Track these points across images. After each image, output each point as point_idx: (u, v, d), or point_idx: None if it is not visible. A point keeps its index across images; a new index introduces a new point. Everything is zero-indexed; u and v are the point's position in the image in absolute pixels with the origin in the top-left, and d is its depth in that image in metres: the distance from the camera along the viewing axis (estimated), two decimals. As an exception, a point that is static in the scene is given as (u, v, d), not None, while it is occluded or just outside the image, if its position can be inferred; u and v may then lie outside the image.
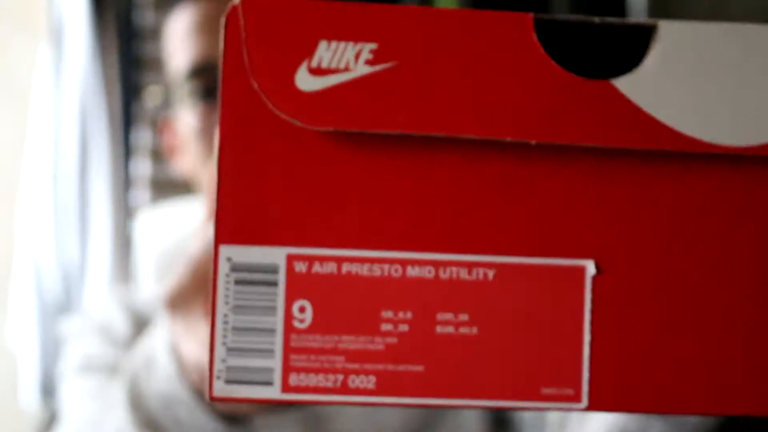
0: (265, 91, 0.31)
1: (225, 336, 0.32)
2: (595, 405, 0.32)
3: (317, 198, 0.32)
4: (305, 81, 0.31)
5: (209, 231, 0.46)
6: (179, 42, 0.85)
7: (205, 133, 0.82)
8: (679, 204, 0.33)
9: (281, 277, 0.32)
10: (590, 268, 0.32)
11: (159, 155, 1.68)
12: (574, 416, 0.67)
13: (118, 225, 1.66)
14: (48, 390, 1.61)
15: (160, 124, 1.13)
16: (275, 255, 0.32)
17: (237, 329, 0.32)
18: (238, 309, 0.32)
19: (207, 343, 0.46)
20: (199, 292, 0.50)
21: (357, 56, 0.31)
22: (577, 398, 0.32)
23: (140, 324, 0.80)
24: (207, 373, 0.42)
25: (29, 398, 1.64)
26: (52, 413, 1.55)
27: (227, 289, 0.32)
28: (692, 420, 0.56)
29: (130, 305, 0.83)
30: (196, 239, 0.51)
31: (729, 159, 0.33)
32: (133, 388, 0.57)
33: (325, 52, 0.31)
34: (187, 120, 0.85)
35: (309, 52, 0.31)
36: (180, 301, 0.51)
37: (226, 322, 0.32)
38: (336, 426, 0.74)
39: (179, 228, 1.10)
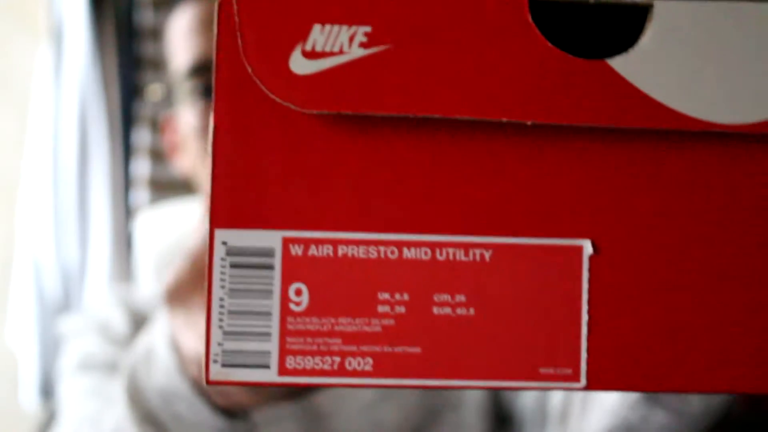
0: (259, 74, 0.31)
1: (221, 320, 0.32)
2: (593, 384, 0.32)
3: (312, 181, 0.32)
4: (299, 64, 0.31)
5: (208, 225, 0.46)
6: (180, 41, 0.85)
7: (206, 131, 0.83)
8: (675, 182, 0.33)
9: (277, 261, 0.32)
10: (587, 247, 0.32)
11: (159, 155, 1.68)
12: (576, 409, 0.67)
13: (117, 225, 1.66)
14: (48, 390, 1.61)
15: (161, 124, 1.13)
16: (271, 238, 0.32)
17: (233, 313, 0.32)
18: (234, 293, 0.32)
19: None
20: (199, 285, 0.50)
21: (351, 39, 0.31)
22: (575, 378, 0.32)
23: (139, 322, 0.80)
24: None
25: (29, 398, 1.64)
26: (52, 413, 1.55)
27: (223, 272, 0.32)
28: (694, 410, 0.56)
29: (129, 304, 0.83)
30: (195, 233, 0.51)
31: (725, 137, 0.32)
32: (133, 383, 0.57)
33: (319, 36, 0.31)
34: (187, 119, 0.85)
35: (303, 35, 0.31)
36: (179, 294, 0.51)
37: (222, 306, 0.32)
38: (335, 423, 0.74)
39: (179, 228, 1.09)
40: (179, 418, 0.54)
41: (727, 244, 0.33)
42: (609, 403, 0.60)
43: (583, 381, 0.32)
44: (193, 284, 0.50)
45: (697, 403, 0.56)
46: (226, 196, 0.32)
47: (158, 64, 1.70)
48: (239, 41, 0.31)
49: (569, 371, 0.32)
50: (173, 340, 0.54)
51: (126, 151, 1.70)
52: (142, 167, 1.71)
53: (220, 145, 0.32)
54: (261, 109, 0.32)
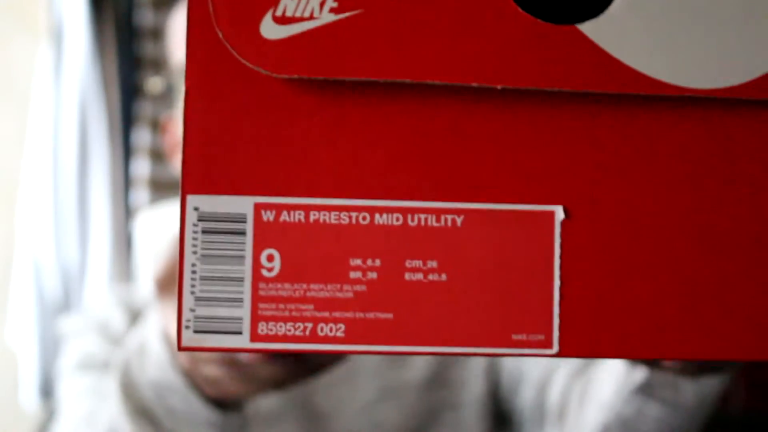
0: (230, 40, 0.31)
1: (193, 285, 0.32)
2: (566, 351, 0.32)
3: (284, 146, 0.32)
4: (270, 29, 0.31)
5: None
6: (180, 37, 0.86)
7: None
8: (647, 147, 0.33)
9: (249, 226, 0.32)
10: (559, 213, 0.32)
11: (159, 155, 1.69)
12: (573, 405, 0.67)
13: (117, 225, 1.66)
14: (48, 390, 1.61)
15: (161, 125, 1.13)
16: (243, 204, 0.32)
17: (205, 278, 0.32)
18: (205, 258, 0.32)
19: None
20: None
21: (322, 4, 0.31)
22: (547, 344, 0.32)
23: (138, 321, 0.80)
24: (196, 353, 0.42)
25: (29, 398, 1.64)
26: (52, 413, 1.55)
27: (195, 238, 0.32)
28: (688, 402, 0.56)
29: (129, 303, 0.83)
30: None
31: (696, 101, 0.32)
32: (126, 377, 0.57)
33: (289, 1, 0.31)
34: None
35: (274, 1, 0.31)
36: (168, 285, 0.51)
37: (194, 272, 0.32)
38: (335, 423, 0.74)
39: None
40: (173, 412, 0.54)
41: (700, 209, 0.33)
42: (605, 398, 0.60)
43: (556, 347, 0.32)
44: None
45: (691, 396, 0.55)
46: (198, 161, 0.32)
47: (158, 64, 1.70)
48: (210, 7, 0.31)
49: (542, 337, 0.32)
50: (165, 331, 0.54)
51: (126, 151, 1.71)
52: (142, 167, 1.71)
53: (191, 111, 0.32)
54: (233, 74, 0.32)
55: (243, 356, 0.45)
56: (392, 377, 0.76)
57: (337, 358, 0.47)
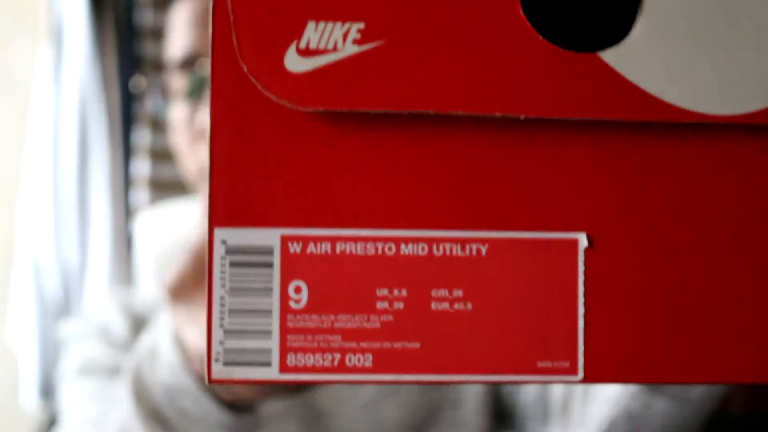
0: (255, 73, 0.31)
1: (222, 318, 0.32)
2: (591, 377, 0.32)
3: (310, 178, 0.32)
4: (294, 62, 0.31)
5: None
6: (177, 31, 0.86)
7: (190, 123, 0.83)
8: (669, 174, 0.33)
9: (276, 259, 0.32)
10: (582, 240, 0.33)
11: (159, 155, 1.68)
12: (577, 400, 0.67)
13: (118, 225, 1.66)
14: (48, 390, 1.61)
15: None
16: (270, 236, 0.32)
17: (234, 311, 0.32)
18: (234, 291, 0.32)
19: None
20: (200, 280, 0.50)
21: (345, 36, 0.31)
22: (573, 371, 0.33)
23: (139, 326, 0.80)
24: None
25: (29, 398, 1.64)
26: (52, 414, 1.55)
27: (223, 271, 0.32)
28: (694, 396, 0.56)
29: (129, 307, 0.83)
30: (196, 229, 0.51)
31: (718, 128, 0.33)
32: (138, 381, 0.57)
33: (313, 33, 0.31)
34: (177, 112, 0.85)
35: (297, 33, 0.31)
36: (182, 290, 0.51)
37: (222, 305, 0.32)
38: (337, 421, 0.74)
39: (179, 228, 1.10)
40: (185, 414, 0.54)
41: (721, 235, 0.33)
42: (610, 393, 0.61)
43: (581, 374, 0.33)
44: (195, 280, 0.50)
45: (697, 389, 0.56)
46: (224, 194, 0.32)
47: (158, 64, 1.70)
48: (234, 40, 0.31)
49: (567, 364, 0.33)
50: (177, 336, 0.54)
51: (126, 151, 1.70)
52: (142, 167, 1.71)
53: (217, 143, 0.32)
54: (258, 107, 0.32)
55: None
56: None
57: None
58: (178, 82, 0.84)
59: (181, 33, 0.85)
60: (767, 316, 0.33)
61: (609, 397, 0.61)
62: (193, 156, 0.83)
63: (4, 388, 1.73)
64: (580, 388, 0.67)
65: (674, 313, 0.33)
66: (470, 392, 0.77)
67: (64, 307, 1.64)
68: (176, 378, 0.54)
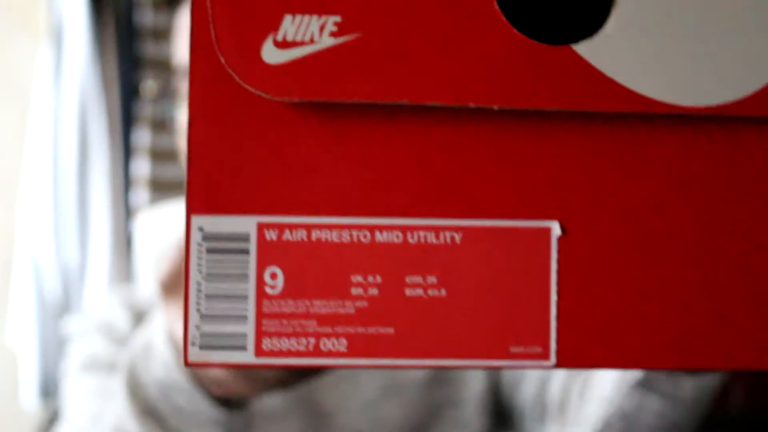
0: (232, 65, 0.32)
1: (198, 303, 0.33)
2: (563, 362, 0.33)
3: (286, 167, 0.33)
4: (271, 54, 0.32)
5: None
6: (183, 36, 0.86)
7: None
8: (641, 164, 0.33)
9: (252, 245, 0.33)
10: (555, 228, 0.33)
11: (159, 155, 1.69)
12: (574, 400, 0.67)
13: (117, 225, 1.67)
14: (48, 390, 1.62)
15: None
16: (246, 224, 0.33)
17: (210, 296, 0.33)
18: (210, 277, 0.33)
19: None
20: None
21: (321, 28, 0.32)
22: (545, 356, 0.33)
23: (142, 322, 0.80)
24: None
25: (29, 398, 1.65)
26: (52, 413, 1.55)
27: (200, 257, 0.33)
28: (687, 395, 0.57)
29: (132, 304, 0.83)
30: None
31: (689, 119, 0.33)
32: (132, 378, 0.58)
33: (290, 26, 0.32)
34: (184, 117, 0.86)
35: (274, 25, 0.32)
36: (173, 286, 0.51)
37: (199, 290, 0.33)
38: (338, 421, 0.75)
39: (179, 228, 1.10)
40: (179, 410, 0.55)
41: (692, 223, 0.34)
42: (605, 393, 0.61)
43: (553, 359, 0.33)
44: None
45: (690, 390, 0.56)
46: (202, 182, 0.33)
47: (158, 64, 1.71)
48: (212, 32, 0.32)
49: (539, 349, 0.33)
50: (170, 332, 0.54)
51: (126, 151, 1.71)
52: (142, 167, 1.71)
53: (195, 133, 0.33)
54: (235, 98, 0.33)
55: None
56: (394, 375, 0.77)
57: None
58: (185, 86, 0.84)
59: (187, 37, 0.85)
60: (738, 302, 0.34)
61: (603, 398, 0.61)
62: None
63: (4, 388, 1.73)
64: (576, 388, 0.67)
65: (646, 299, 0.33)
66: (470, 392, 0.77)
67: (64, 306, 1.65)
68: (169, 374, 0.54)
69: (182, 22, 0.87)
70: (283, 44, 0.32)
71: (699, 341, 0.33)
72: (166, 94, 0.90)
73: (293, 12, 0.32)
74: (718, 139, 0.34)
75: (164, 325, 0.55)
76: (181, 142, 0.89)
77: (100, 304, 0.89)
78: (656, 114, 0.33)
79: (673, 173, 0.34)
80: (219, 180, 0.33)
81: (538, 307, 0.33)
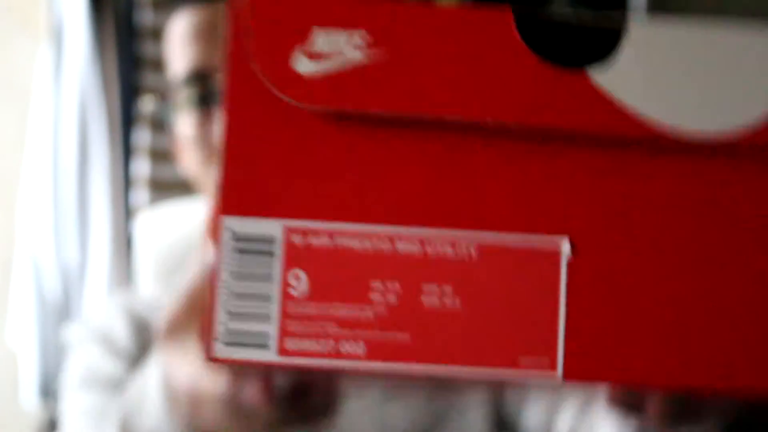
0: (266, 73, 0.34)
1: (226, 301, 0.34)
2: (569, 375, 0.35)
3: (314, 174, 0.35)
4: (302, 64, 0.34)
5: (208, 255, 0.46)
6: (177, 47, 0.86)
7: (203, 140, 0.83)
8: (649, 187, 0.35)
9: (278, 248, 0.34)
10: (565, 245, 0.35)
11: (159, 155, 1.70)
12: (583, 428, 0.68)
13: (117, 225, 1.67)
14: (48, 390, 1.62)
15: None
16: (273, 227, 0.34)
17: (237, 294, 0.34)
18: (238, 276, 0.34)
19: (200, 369, 0.48)
20: (194, 321, 0.50)
21: (350, 43, 0.34)
22: (552, 367, 0.35)
23: (141, 329, 0.80)
24: (198, 397, 0.45)
25: (29, 398, 1.65)
26: (52, 414, 1.56)
27: (228, 257, 0.34)
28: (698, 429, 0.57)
29: (130, 310, 0.83)
30: (194, 264, 0.51)
31: (695, 145, 0.35)
32: (126, 426, 0.59)
33: (320, 39, 0.34)
34: (184, 127, 0.86)
35: (306, 38, 0.34)
36: (175, 330, 0.51)
37: (227, 288, 0.34)
38: (340, 423, 0.75)
39: (179, 228, 1.10)
40: None
41: (700, 244, 0.35)
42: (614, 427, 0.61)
43: (560, 371, 0.35)
44: (189, 320, 0.51)
45: (702, 425, 0.56)
46: (234, 185, 0.34)
47: (158, 64, 1.71)
48: (249, 43, 0.34)
49: (547, 360, 0.35)
50: (165, 379, 0.55)
51: (126, 151, 1.71)
52: (142, 167, 1.72)
53: (229, 138, 0.34)
54: (268, 106, 0.35)
55: (247, 397, 0.46)
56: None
57: (334, 408, 0.49)
58: (183, 97, 0.84)
59: (182, 49, 0.85)
60: (744, 323, 0.35)
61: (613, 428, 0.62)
62: (209, 177, 0.83)
63: (4, 388, 1.73)
64: (586, 423, 0.68)
65: (652, 318, 0.35)
66: (475, 398, 0.77)
67: (64, 307, 1.65)
68: (161, 426, 0.55)
69: (174, 33, 0.87)
70: (314, 55, 0.33)
71: (702, 361, 0.35)
72: (165, 97, 0.90)
73: (325, 26, 0.34)
74: (725, 165, 0.35)
75: (159, 372, 0.55)
76: (184, 160, 0.89)
77: (99, 310, 0.89)
78: (663, 138, 0.34)
79: (680, 196, 0.35)
80: (250, 184, 0.34)
81: (548, 322, 0.35)
